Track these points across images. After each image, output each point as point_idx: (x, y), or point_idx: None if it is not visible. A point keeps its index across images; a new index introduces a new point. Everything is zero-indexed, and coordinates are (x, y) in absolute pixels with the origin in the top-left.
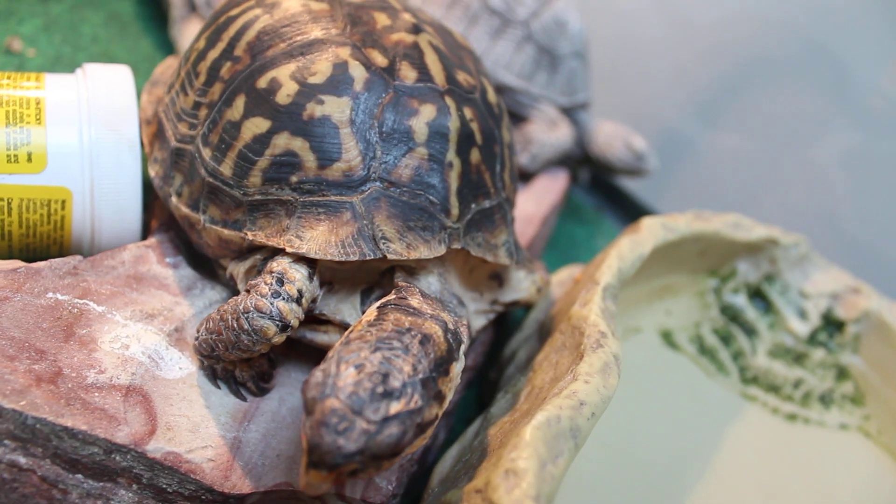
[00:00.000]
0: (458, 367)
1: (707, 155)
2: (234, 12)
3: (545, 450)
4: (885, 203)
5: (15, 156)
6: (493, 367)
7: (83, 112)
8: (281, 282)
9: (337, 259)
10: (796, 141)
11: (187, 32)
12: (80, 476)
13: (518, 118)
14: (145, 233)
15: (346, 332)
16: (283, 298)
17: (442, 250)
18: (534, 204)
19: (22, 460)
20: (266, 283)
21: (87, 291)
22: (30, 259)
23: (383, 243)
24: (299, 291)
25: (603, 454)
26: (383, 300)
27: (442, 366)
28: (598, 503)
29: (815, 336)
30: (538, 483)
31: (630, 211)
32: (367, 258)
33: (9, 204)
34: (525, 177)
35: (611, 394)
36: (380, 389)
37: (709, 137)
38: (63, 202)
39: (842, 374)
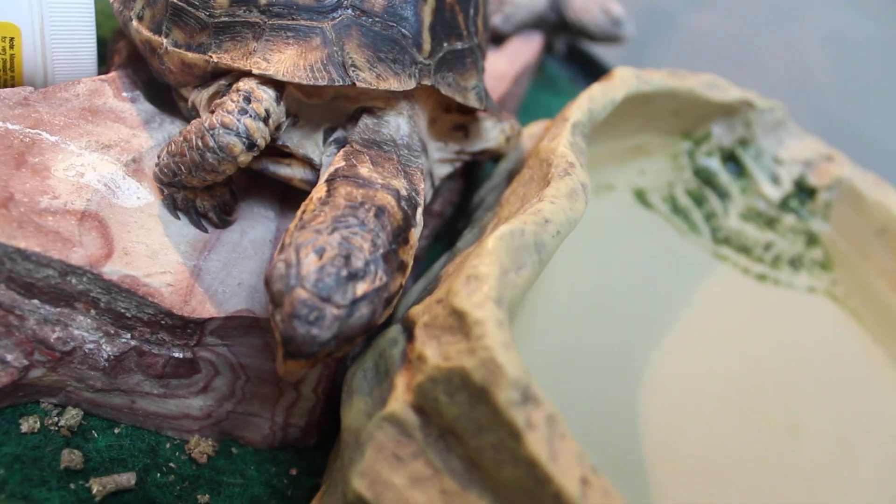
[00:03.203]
0: (416, 232)
1: (685, 30)
2: None
3: (508, 259)
4: (860, 79)
5: None
6: (462, 217)
7: None
8: (248, 100)
9: (305, 82)
10: (777, 19)
11: None
12: (36, 301)
13: None
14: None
15: (299, 212)
16: (251, 116)
17: (412, 84)
18: (506, 63)
19: None
20: (233, 101)
21: (39, 122)
22: None
23: (353, 71)
24: (266, 111)
25: (573, 301)
26: (332, 169)
27: (400, 235)
28: (568, 347)
29: (787, 202)
30: (499, 287)
31: None
32: (336, 84)
33: None
34: (498, 39)
35: (577, 217)
36: (344, 272)
37: (688, 12)
38: (11, 40)
39: (812, 240)
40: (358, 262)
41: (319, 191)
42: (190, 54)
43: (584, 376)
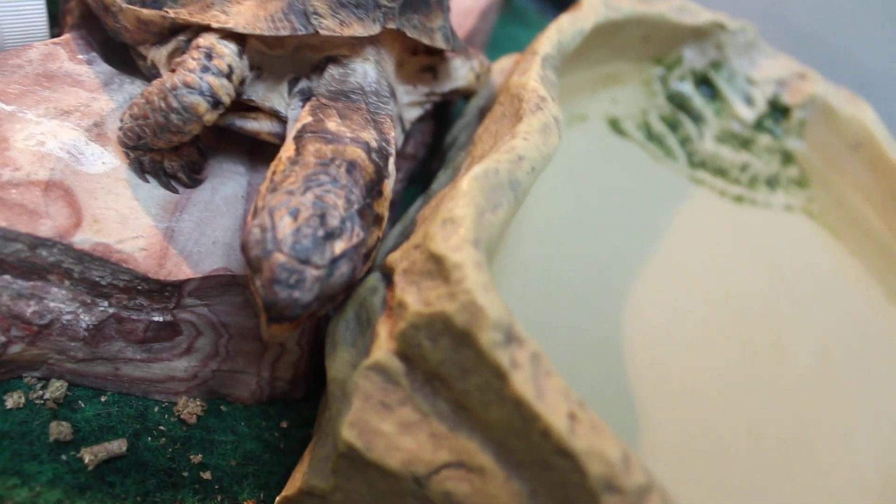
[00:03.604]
0: (390, 183)
1: None
2: None
3: (483, 199)
4: None
5: None
6: (436, 158)
7: None
8: (209, 56)
9: (267, 34)
10: None
11: None
12: (7, 276)
13: None
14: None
15: (269, 173)
16: (213, 73)
17: (377, 29)
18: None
19: None
20: (194, 59)
21: None
22: None
23: (315, 18)
24: (229, 67)
25: (551, 235)
26: (299, 126)
27: (374, 188)
28: (549, 280)
29: (762, 122)
30: (476, 229)
31: None
32: (299, 33)
33: None
34: None
35: (551, 151)
36: (320, 232)
37: None
38: None
39: (787, 158)
40: (334, 221)
41: (288, 150)
42: (145, 11)
43: (566, 309)
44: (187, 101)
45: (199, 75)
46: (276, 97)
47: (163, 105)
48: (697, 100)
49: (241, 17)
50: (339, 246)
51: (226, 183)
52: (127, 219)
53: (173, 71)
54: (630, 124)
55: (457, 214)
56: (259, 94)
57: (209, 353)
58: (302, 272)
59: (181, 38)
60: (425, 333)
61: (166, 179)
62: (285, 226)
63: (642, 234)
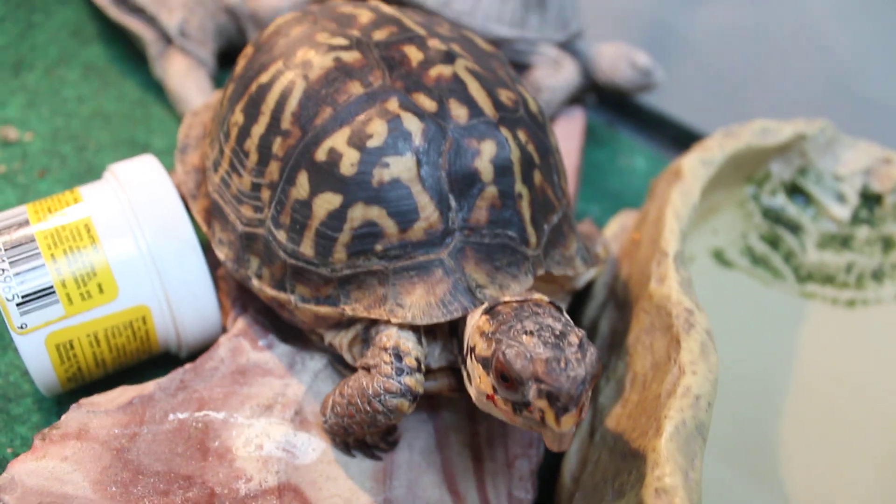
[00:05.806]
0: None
1: (702, 35)
2: (264, 79)
3: (682, 458)
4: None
5: (87, 292)
6: None
7: (136, 230)
8: (399, 357)
9: (442, 320)
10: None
11: (172, 69)
12: None
13: (521, 66)
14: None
15: (476, 335)
16: (407, 373)
17: (530, 282)
18: (564, 154)
19: None
20: (386, 363)
21: (202, 402)
22: (124, 373)
23: (479, 291)
24: (417, 360)
25: None
26: (476, 315)
27: (562, 313)
28: None
29: (857, 215)
30: (688, 494)
31: (642, 118)
32: (469, 311)
33: (96, 337)
34: None
35: (716, 375)
36: (557, 332)
37: (700, 16)
38: (143, 318)
39: (888, 244)
40: (558, 325)
41: (481, 321)
42: (322, 308)
43: (721, 462)
44: (392, 405)
45: (397, 379)
46: (447, 354)
47: (368, 408)
48: (792, 209)
49: (417, 309)
50: (575, 337)
51: (418, 436)
52: (351, 501)
53: (368, 370)
54: (734, 252)
55: (667, 484)
56: (435, 357)
57: None
58: (566, 360)
59: (359, 326)
60: None
61: (370, 451)
62: (528, 340)
63: (767, 364)
